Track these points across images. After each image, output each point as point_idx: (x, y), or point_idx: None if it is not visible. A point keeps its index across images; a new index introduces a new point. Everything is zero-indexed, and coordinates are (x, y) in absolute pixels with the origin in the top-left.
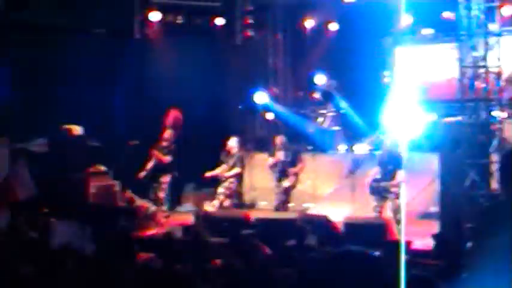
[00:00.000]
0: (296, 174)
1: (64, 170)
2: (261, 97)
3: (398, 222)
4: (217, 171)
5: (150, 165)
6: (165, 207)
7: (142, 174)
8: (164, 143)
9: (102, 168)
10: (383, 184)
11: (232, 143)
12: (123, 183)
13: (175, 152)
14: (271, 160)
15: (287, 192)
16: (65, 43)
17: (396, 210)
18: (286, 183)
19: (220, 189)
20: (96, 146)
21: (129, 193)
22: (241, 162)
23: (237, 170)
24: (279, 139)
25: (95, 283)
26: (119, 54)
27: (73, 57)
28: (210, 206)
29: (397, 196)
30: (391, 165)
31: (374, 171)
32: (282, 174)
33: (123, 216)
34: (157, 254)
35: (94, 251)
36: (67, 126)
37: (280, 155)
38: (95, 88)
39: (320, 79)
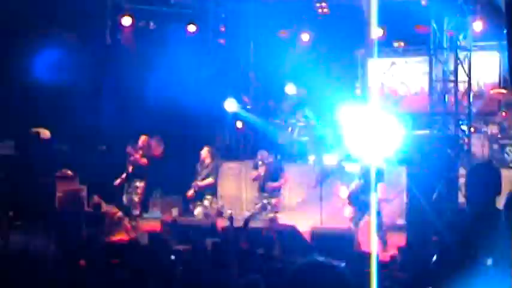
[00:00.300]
0: (278, 188)
1: (31, 173)
2: (231, 105)
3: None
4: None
5: (125, 174)
6: (137, 212)
7: (118, 181)
8: (140, 148)
9: (70, 172)
10: (363, 197)
11: (204, 152)
12: (91, 188)
13: (151, 157)
14: (254, 173)
15: (265, 206)
16: (36, 46)
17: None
18: (265, 197)
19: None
20: (64, 150)
21: (96, 198)
22: (215, 171)
23: (209, 180)
24: (261, 154)
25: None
26: (88, 58)
27: (43, 59)
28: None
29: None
30: (371, 178)
31: (356, 184)
32: (263, 189)
33: (89, 221)
34: (123, 260)
35: (57, 255)
36: (35, 130)
37: (262, 170)
38: (63, 92)
39: (291, 89)
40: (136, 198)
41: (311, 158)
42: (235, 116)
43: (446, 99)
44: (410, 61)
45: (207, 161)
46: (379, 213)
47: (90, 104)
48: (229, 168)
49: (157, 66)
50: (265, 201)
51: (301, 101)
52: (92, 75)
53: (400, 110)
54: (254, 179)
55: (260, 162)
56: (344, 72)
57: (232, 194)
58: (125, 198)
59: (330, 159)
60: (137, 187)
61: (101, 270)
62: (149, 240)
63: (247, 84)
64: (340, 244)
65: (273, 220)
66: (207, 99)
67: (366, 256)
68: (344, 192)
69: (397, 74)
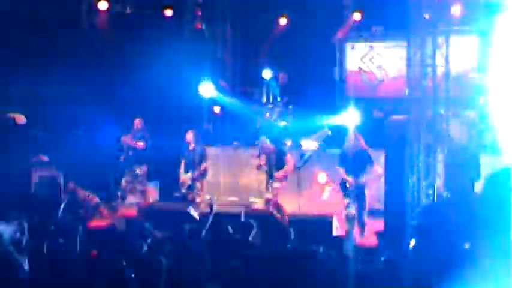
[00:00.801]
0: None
1: (6, 159)
2: (207, 89)
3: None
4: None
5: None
6: (150, 200)
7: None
8: (136, 130)
9: (46, 158)
10: (353, 181)
11: (189, 136)
12: (67, 174)
13: (147, 139)
14: (255, 161)
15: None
16: (12, 29)
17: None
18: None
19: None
20: (41, 135)
21: (72, 184)
22: (205, 156)
23: (204, 165)
24: (261, 141)
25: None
26: (65, 42)
27: (20, 43)
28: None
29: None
30: (359, 162)
31: (341, 172)
32: (272, 177)
33: (66, 208)
34: (100, 246)
35: (31, 244)
36: (10, 115)
37: (263, 159)
38: (39, 75)
39: (267, 73)
40: (140, 187)
41: (288, 143)
42: (213, 101)
43: (424, 84)
44: (388, 45)
45: (193, 145)
46: (361, 197)
47: (66, 89)
48: (207, 154)
49: (133, 51)
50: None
51: (280, 86)
52: (67, 59)
53: (377, 94)
54: (257, 168)
55: (261, 150)
56: (322, 56)
57: (210, 180)
58: (125, 186)
59: (307, 144)
60: (139, 175)
61: (80, 258)
62: (126, 225)
63: (224, 69)
64: (318, 230)
65: (250, 206)
66: (183, 84)
67: (343, 241)
68: (322, 177)
69: (375, 58)
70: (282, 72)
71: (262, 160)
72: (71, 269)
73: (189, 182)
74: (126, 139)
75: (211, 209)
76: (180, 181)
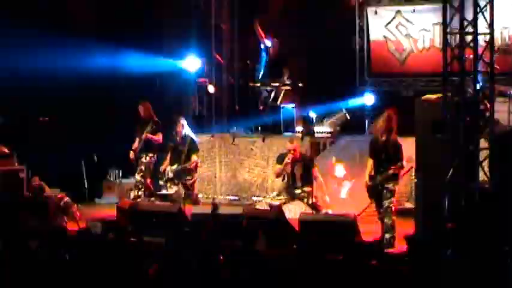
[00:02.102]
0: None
1: None
2: (193, 64)
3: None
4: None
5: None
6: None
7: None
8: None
9: (6, 149)
10: (379, 179)
11: (179, 125)
12: (31, 168)
13: (161, 128)
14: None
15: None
16: None
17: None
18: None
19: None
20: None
21: (37, 180)
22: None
23: (195, 158)
24: (292, 138)
25: None
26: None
27: None
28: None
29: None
30: (384, 154)
31: (369, 167)
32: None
33: (29, 208)
34: (71, 253)
35: None
36: None
37: (288, 166)
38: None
39: (267, 44)
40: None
41: (299, 129)
42: (204, 79)
43: (463, 56)
44: (418, 9)
45: (181, 135)
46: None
47: (30, 70)
48: (200, 143)
49: (112, 16)
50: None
51: (286, 60)
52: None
53: (405, 69)
54: (277, 175)
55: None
56: (338, 24)
57: (203, 174)
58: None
59: (322, 130)
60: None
61: (45, 265)
62: (103, 229)
63: (218, 39)
64: (335, 233)
65: (253, 206)
66: (167, 58)
67: (368, 247)
68: (340, 170)
69: (403, 25)
70: (273, 39)
71: (288, 167)
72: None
73: (170, 175)
74: (142, 136)
75: (214, 210)
76: (161, 169)
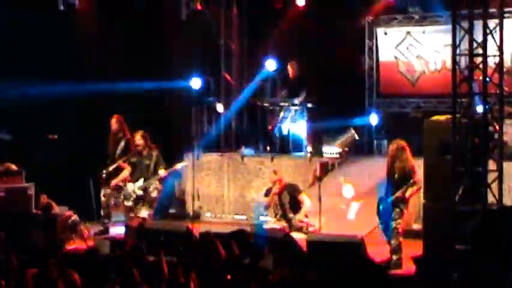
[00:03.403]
0: None
1: None
2: (196, 83)
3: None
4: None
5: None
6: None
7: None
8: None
9: (14, 166)
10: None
11: (139, 138)
12: (39, 185)
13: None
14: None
15: None
16: None
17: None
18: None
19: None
20: (7, 140)
21: (45, 198)
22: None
23: (162, 172)
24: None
25: None
26: (38, 29)
27: None
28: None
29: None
30: (397, 175)
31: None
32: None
33: (38, 226)
34: (79, 273)
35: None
36: None
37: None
38: (5, 69)
39: (271, 65)
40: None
41: (308, 150)
42: (214, 99)
43: (473, 78)
44: (428, 30)
45: (146, 149)
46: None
47: (39, 83)
48: (209, 161)
49: (116, 38)
50: None
51: (289, 79)
52: (42, 47)
53: (413, 90)
54: (266, 208)
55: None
56: (348, 45)
57: (211, 193)
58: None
59: (330, 150)
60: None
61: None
62: (111, 248)
63: (228, 58)
64: (344, 254)
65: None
66: (178, 78)
67: (377, 269)
68: (349, 191)
69: (413, 46)
70: (291, 62)
71: (275, 198)
72: None
73: (139, 193)
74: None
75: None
76: (125, 192)
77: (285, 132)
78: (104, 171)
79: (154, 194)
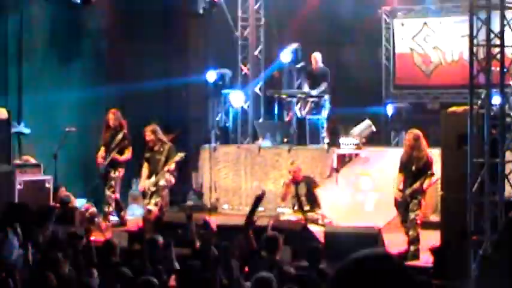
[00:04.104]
0: None
1: None
2: (212, 75)
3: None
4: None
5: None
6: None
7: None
8: (117, 132)
9: (32, 159)
10: (408, 192)
11: (150, 135)
12: (58, 178)
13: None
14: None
15: None
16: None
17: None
18: None
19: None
20: (26, 133)
21: (63, 191)
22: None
23: (171, 165)
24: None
25: None
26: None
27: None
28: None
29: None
30: (415, 167)
31: (399, 181)
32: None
33: (57, 218)
34: (97, 266)
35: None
36: None
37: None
38: (28, 61)
39: (286, 56)
40: (112, 192)
41: (325, 141)
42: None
43: (490, 68)
44: (445, 21)
45: (158, 144)
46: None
47: (58, 75)
48: (226, 153)
49: (135, 32)
50: None
51: (317, 72)
52: (60, 40)
53: (431, 82)
54: (282, 199)
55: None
56: (364, 36)
57: (228, 185)
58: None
59: (348, 141)
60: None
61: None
62: (130, 240)
63: (245, 52)
64: (360, 247)
65: (278, 217)
66: (194, 71)
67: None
68: (366, 182)
69: (430, 37)
70: (314, 53)
71: (290, 189)
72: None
73: (153, 189)
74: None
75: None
76: (140, 189)
77: (302, 124)
78: (103, 167)
79: (161, 183)
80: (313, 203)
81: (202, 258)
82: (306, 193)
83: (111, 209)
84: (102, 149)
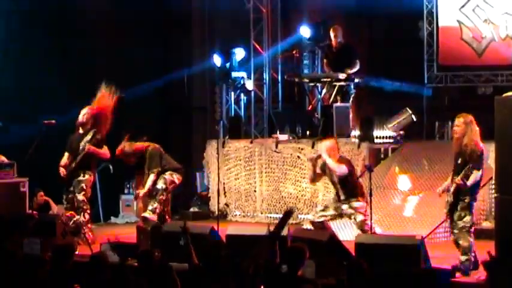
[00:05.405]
0: None
1: None
2: (218, 59)
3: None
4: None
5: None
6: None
7: (63, 172)
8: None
9: (5, 159)
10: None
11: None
12: (35, 181)
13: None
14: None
15: None
16: None
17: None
18: None
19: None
20: None
21: (41, 195)
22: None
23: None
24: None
25: None
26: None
27: None
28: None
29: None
30: (461, 159)
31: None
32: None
33: (34, 228)
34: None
35: None
36: None
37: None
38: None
39: (305, 31)
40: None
41: (355, 134)
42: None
43: None
44: None
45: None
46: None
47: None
48: (237, 149)
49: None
50: None
51: (340, 50)
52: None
53: (481, 62)
54: (310, 181)
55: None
56: (402, 8)
57: (240, 187)
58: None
59: (382, 134)
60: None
61: None
62: (121, 254)
63: (260, 27)
64: (398, 260)
65: (300, 225)
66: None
67: (438, 275)
68: (404, 182)
69: (481, 8)
70: (334, 26)
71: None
72: None
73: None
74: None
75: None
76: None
77: (327, 114)
78: (61, 164)
79: (159, 186)
80: (351, 191)
81: (205, 275)
82: (342, 179)
83: (87, 216)
84: (65, 155)
